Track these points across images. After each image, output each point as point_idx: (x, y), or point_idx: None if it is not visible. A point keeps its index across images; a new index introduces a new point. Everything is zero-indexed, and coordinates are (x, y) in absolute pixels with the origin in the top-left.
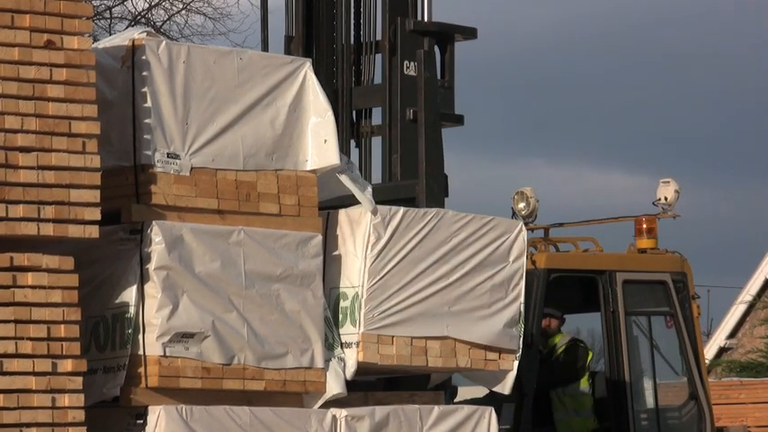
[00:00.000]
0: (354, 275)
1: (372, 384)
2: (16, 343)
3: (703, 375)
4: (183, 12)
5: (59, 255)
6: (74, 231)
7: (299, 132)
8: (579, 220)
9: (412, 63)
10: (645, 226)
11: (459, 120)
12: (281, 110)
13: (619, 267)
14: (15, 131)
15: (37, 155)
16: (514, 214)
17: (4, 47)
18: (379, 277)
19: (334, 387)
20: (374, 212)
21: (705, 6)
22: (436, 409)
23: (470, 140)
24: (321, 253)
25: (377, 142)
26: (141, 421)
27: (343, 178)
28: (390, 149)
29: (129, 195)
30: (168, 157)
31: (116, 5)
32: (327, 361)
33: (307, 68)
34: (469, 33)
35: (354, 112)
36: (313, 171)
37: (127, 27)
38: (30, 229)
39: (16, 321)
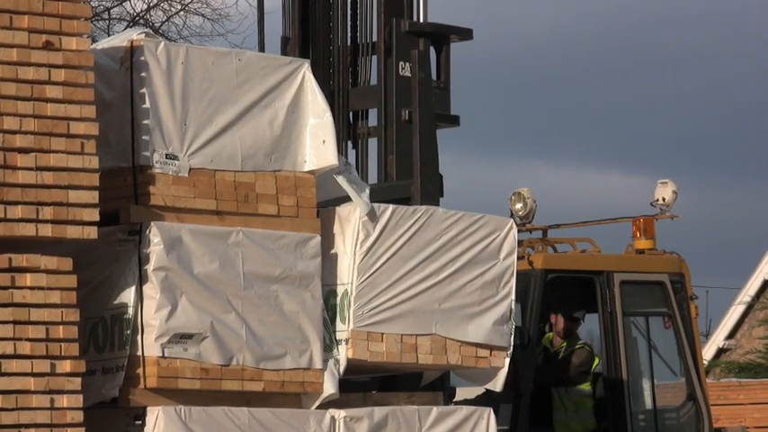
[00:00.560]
0: (344, 273)
1: (371, 385)
2: (15, 344)
3: (701, 376)
4: (182, 13)
5: (58, 256)
6: (72, 232)
7: (298, 133)
8: (579, 220)
9: (407, 64)
10: (642, 227)
11: (454, 120)
12: (280, 111)
13: (616, 268)
14: (14, 132)
15: (35, 156)
16: (512, 215)
17: (3, 48)
18: (368, 274)
19: (329, 387)
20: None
21: (705, 6)
22: (435, 410)
23: (470, 141)
24: (320, 254)
25: (374, 143)
26: (140, 422)
27: (340, 179)
28: (386, 150)
29: (127, 196)
30: (167, 157)
31: (114, 6)
32: (325, 362)
33: (305, 69)
34: (465, 34)
35: (351, 114)
36: (311, 172)
37: (125, 28)
38: (28, 229)
39: (15, 322)
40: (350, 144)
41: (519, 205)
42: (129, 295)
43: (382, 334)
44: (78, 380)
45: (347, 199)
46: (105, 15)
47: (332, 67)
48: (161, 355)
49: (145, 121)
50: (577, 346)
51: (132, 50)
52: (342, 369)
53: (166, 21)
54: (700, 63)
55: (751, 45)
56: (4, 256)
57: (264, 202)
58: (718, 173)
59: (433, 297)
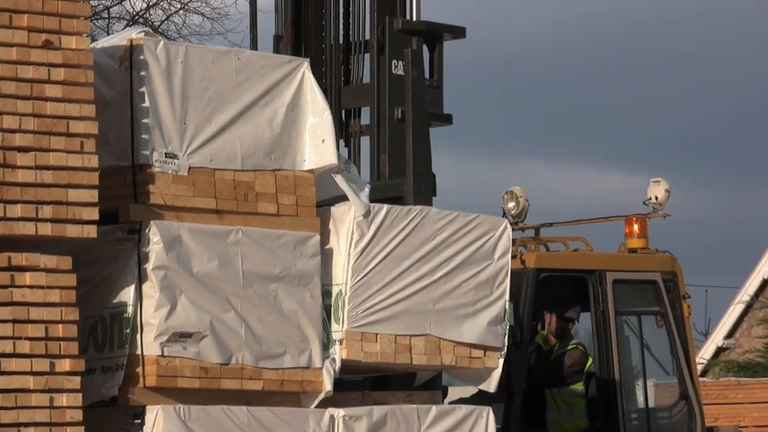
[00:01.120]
0: (338, 273)
1: (363, 384)
2: (14, 342)
3: (694, 375)
4: (181, 12)
5: (57, 254)
6: (72, 231)
7: (297, 132)
8: (577, 219)
9: (400, 62)
10: (635, 226)
11: (447, 119)
12: (279, 110)
13: (609, 267)
14: (13, 131)
15: (35, 154)
16: (504, 214)
17: (2, 47)
18: (362, 275)
19: (325, 385)
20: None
21: (705, 6)
22: (434, 409)
23: (470, 140)
24: (319, 253)
25: (366, 142)
26: (139, 421)
27: (339, 179)
28: (378, 149)
29: (126, 195)
30: (166, 156)
31: (114, 5)
32: (324, 360)
33: (305, 68)
34: (458, 32)
35: (344, 112)
36: (311, 171)
37: (125, 27)
38: (28, 228)
39: (14, 321)
40: (342, 142)
41: (511, 204)
42: (128, 294)
43: (376, 334)
44: (77, 379)
45: (347, 197)
46: (105, 14)
47: (324, 66)
48: (160, 353)
49: (144, 120)
50: (570, 346)
51: (132, 49)
52: (337, 369)
53: (166, 20)
54: (700, 63)
55: (751, 45)
56: (3, 254)
57: (264, 201)
58: (718, 173)
59: (428, 297)
